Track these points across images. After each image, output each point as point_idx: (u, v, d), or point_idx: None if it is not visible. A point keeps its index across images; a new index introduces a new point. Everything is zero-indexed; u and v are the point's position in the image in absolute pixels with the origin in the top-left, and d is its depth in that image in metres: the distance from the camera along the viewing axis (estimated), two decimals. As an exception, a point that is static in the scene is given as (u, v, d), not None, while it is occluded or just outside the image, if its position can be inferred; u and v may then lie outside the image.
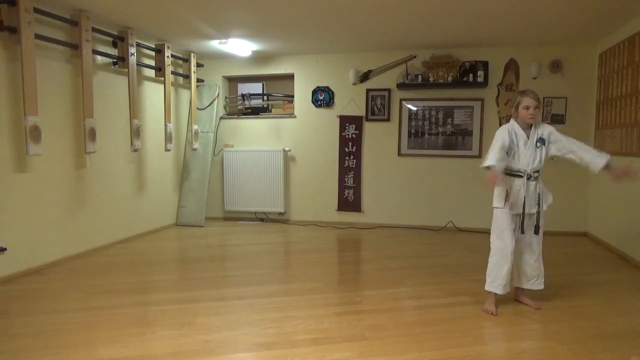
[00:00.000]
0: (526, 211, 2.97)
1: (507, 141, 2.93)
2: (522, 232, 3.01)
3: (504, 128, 3.02)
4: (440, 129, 5.75)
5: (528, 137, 2.97)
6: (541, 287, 3.11)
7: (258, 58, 6.14)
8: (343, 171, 6.06)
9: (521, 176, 2.97)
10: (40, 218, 3.93)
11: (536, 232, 3.02)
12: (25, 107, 3.54)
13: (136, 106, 4.89)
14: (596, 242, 5.09)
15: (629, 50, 4.35)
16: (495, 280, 3.02)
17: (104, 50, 4.57)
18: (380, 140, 5.94)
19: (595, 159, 2.87)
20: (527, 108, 2.93)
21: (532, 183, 2.97)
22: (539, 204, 2.98)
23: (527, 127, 3.00)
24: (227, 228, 5.93)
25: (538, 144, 2.97)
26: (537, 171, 2.99)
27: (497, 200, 3.02)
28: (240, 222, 6.27)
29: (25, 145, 3.58)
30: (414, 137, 5.84)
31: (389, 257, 4.46)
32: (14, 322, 2.85)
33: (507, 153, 2.95)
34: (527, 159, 2.95)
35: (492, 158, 2.88)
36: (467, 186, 5.70)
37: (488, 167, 2.86)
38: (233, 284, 3.67)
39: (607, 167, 2.86)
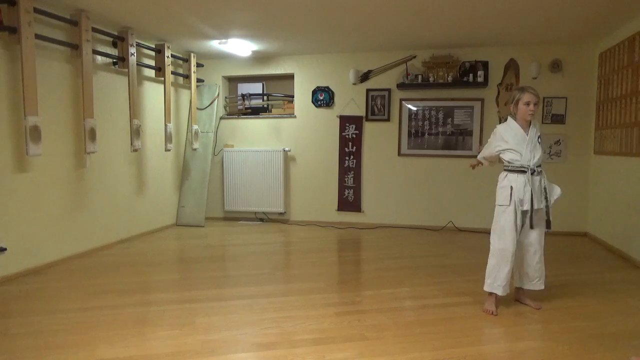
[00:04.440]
0: (534, 207, 2.96)
1: (490, 147, 3.17)
2: (532, 227, 3.00)
3: (494, 134, 3.11)
4: (440, 129, 5.75)
5: (527, 134, 2.97)
6: (542, 287, 3.11)
7: (258, 58, 6.14)
8: (343, 171, 6.06)
9: (525, 172, 2.96)
10: (40, 218, 3.93)
11: (548, 226, 3.00)
12: (25, 107, 3.54)
13: (136, 106, 4.89)
14: (596, 242, 5.09)
15: (629, 50, 4.35)
16: (496, 281, 3.01)
17: (104, 50, 4.57)
18: (380, 140, 5.94)
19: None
20: (528, 104, 2.94)
21: (537, 178, 2.97)
22: (546, 199, 2.98)
23: (526, 124, 3.00)
24: (227, 228, 5.93)
25: (539, 140, 2.99)
26: (539, 165, 3.00)
27: (502, 198, 3.01)
28: (240, 222, 6.27)
29: (25, 145, 3.58)
30: (414, 137, 5.84)
31: (389, 257, 4.46)
32: (14, 322, 2.85)
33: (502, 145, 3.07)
34: (528, 154, 2.95)
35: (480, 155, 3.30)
36: (467, 186, 5.70)
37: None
38: (233, 284, 3.67)
39: None
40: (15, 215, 3.70)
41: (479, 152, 3.41)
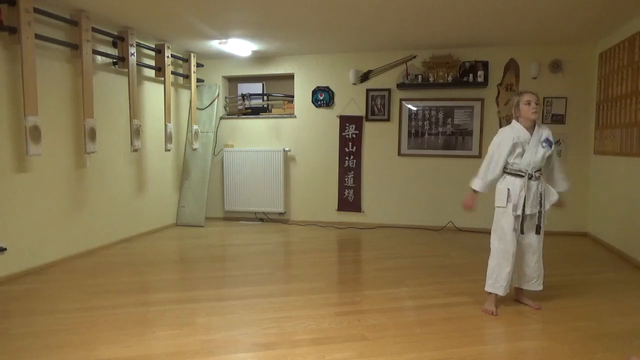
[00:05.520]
0: (527, 212, 2.95)
1: (501, 155, 2.97)
2: (522, 232, 2.99)
3: (505, 133, 3.01)
4: (440, 129, 5.75)
5: (531, 136, 2.95)
6: (540, 288, 3.11)
7: (258, 58, 6.14)
8: (343, 171, 6.06)
9: (522, 176, 2.96)
10: (40, 218, 3.93)
11: (537, 231, 3.01)
12: (25, 107, 3.54)
13: (136, 106, 4.89)
14: (596, 242, 5.09)
15: (629, 50, 4.35)
16: (497, 281, 3.01)
17: (104, 50, 4.57)
18: (380, 140, 5.94)
19: (560, 184, 3.10)
20: (529, 103, 2.92)
21: (534, 183, 2.96)
22: (540, 204, 2.98)
23: (530, 127, 2.97)
24: (227, 228, 5.93)
25: (544, 144, 2.95)
26: (539, 170, 2.99)
27: (499, 200, 3.01)
28: (240, 222, 6.27)
29: (25, 145, 3.58)
30: (414, 137, 5.84)
31: (389, 257, 4.46)
32: (14, 322, 2.85)
33: (511, 154, 2.97)
34: (529, 159, 2.94)
35: (478, 183, 3.07)
36: (467, 186, 5.66)
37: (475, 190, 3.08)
38: (233, 284, 3.67)
39: (561, 194, 3.08)
40: (15, 215, 3.70)
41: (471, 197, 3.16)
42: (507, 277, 2.99)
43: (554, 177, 3.11)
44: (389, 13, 4.14)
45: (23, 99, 3.54)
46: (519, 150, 2.95)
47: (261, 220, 6.31)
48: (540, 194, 2.97)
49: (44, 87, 3.86)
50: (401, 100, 5.81)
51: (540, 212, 2.98)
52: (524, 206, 2.94)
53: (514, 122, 3.02)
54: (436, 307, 3.11)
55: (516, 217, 2.97)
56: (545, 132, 2.99)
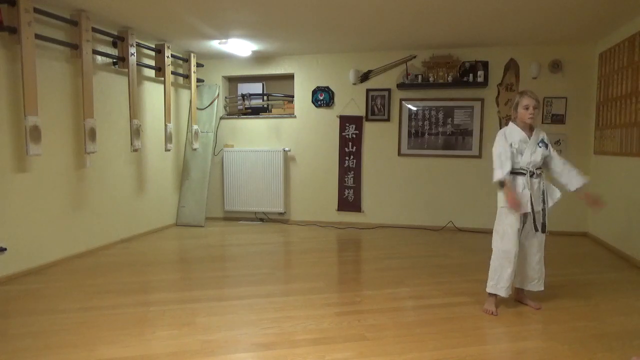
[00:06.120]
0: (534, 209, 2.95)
1: (506, 152, 2.92)
2: (536, 230, 2.99)
3: (501, 136, 3.01)
4: (440, 129, 5.75)
5: (529, 137, 2.96)
6: (541, 288, 3.11)
7: (258, 58, 6.14)
8: (343, 171, 6.06)
9: (524, 174, 2.95)
10: (40, 218, 3.93)
11: (543, 230, 3.00)
12: (25, 107, 3.54)
13: (136, 106, 4.89)
14: (596, 242, 5.09)
15: (629, 50, 4.35)
16: (499, 282, 3.00)
17: (104, 50, 4.57)
18: (380, 140, 5.94)
19: (573, 180, 2.97)
20: (527, 108, 2.93)
21: (536, 180, 2.96)
22: (544, 201, 2.98)
23: (527, 128, 2.99)
24: (227, 228, 5.93)
25: (540, 145, 2.97)
26: (539, 168, 2.99)
27: (503, 200, 2.98)
28: (240, 222, 6.27)
29: (25, 145, 3.58)
30: (414, 137, 5.84)
31: (389, 257, 4.46)
32: (14, 322, 2.85)
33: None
34: (528, 157, 2.95)
35: (498, 173, 2.92)
36: (467, 186, 5.70)
37: (501, 182, 2.92)
38: (233, 284, 3.67)
39: (581, 189, 2.96)
40: (15, 215, 3.70)
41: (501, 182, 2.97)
42: (509, 279, 2.98)
43: (568, 175, 2.98)
44: (389, 13, 4.14)
45: (23, 99, 3.54)
46: (511, 150, 2.96)
47: (261, 220, 6.31)
48: (543, 192, 2.98)
49: (44, 87, 3.86)
50: (401, 100, 5.81)
51: (544, 209, 2.98)
52: (532, 203, 2.92)
53: (510, 123, 3.04)
54: (436, 307, 3.11)
55: (522, 215, 2.96)
56: (541, 135, 3.01)
